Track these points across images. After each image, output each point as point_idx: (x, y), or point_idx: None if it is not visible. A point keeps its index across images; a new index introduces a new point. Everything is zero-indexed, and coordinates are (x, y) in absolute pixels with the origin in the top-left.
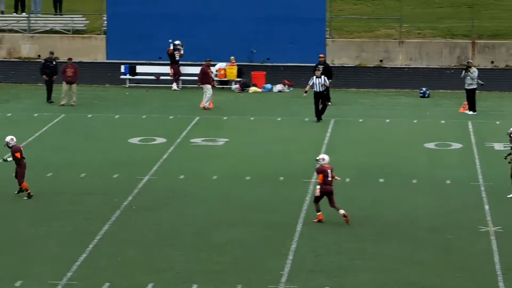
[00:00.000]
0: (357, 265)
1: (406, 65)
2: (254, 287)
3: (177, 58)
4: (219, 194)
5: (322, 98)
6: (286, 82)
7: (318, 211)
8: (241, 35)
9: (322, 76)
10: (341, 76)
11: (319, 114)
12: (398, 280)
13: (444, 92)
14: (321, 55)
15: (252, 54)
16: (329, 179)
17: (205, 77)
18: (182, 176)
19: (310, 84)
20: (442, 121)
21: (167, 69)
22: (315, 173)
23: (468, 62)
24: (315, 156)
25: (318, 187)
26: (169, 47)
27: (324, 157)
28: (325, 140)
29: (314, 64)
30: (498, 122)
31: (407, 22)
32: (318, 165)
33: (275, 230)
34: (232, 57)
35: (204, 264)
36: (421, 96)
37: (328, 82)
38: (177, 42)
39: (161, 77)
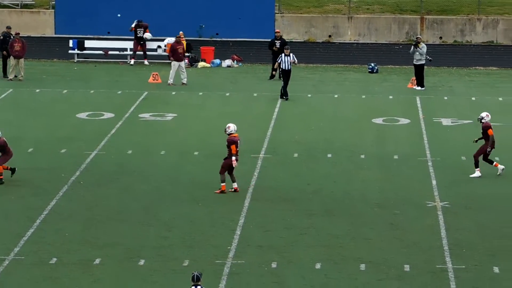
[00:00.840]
0: (305, 240)
1: (355, 40)
2: (202, 262)
3: (139, 35)
4: (167, 169)
5: (288, 76)
6: (235, 57)
7: (223, 181)
8: (190, 10)
9: (291, 54)
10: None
11: (285, 91)
12: (345, 255)
13: (392, 68)
14: (277, 30)
15: (201, 29)
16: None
17: (172, 53)
18: (130, 151)
19: (279, 61)
20: (390, 97)
21: (115, 44)
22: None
23: (417, 38)
24: (264, 132)
25: (234, 158)
26: (132, 24)
27: (230, 125)
28: (274, 115)
29: (269, 40)
30: (446, 98)
31: None
32: (227, 135)
33: (223, 206)
34: (180, 32)
35: (152, 240)
36: (369, 72)
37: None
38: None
39: (110, 52)
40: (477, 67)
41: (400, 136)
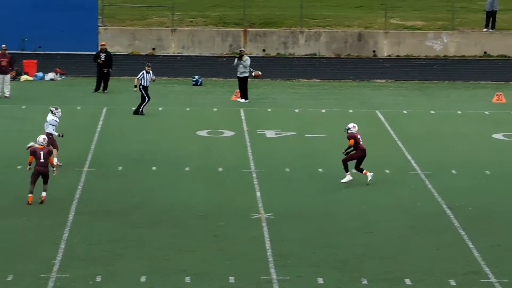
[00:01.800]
0: (130, 253)
1: (178, 53)
2: (26, 276)
3: None
4: None
5: (147, 92)
6: (58, 70)
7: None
8: (12, 23)
9: (151, 71)
10: (114, 64)
11: (140, 107)
12: (170, 267)
13: (216, 80)
14: (102, 43)
15: (24, 43)
16: (42, 160)
17: None
18: None
19: (139, 78)
20: (215, 109)
21: None
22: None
23: (240, 51)
24: (88, 144)
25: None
26: None
27: (39, 138)
28: (98, 128)
29: (94, 53)
30: (269, 110)
31: (179, 10)
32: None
33: (47, 219)
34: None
35: None
36: (193, 84)
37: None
38: None
39: None
40: (300, 79)
41: (224, 148)
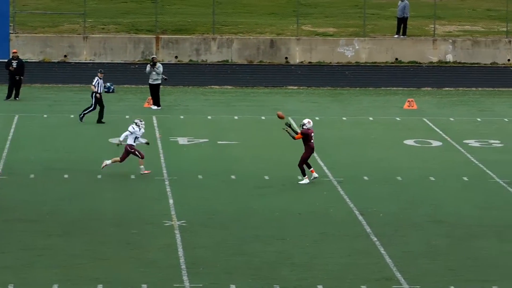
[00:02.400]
0: (42, 261)
1: (90, 60)
2: None
3: None
4: None
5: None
6: None
7: None
8: None
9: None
10: (26, 72)
11: (101, 115)
12: (83, 275)
13: (128, 87)
14: (14, 50)
15: None
16: None
17: None
18: None
19: (94, 84)
20: (127, 116)
21: None
22: None
23: (152, 58)
24: None
25: None
26: None
27: None
28: (9, 136)
29: (6, 60)
30: (182, 117)
31: (91, 17)
32: None
33: None
34: None
35: None
36: (106, 91)
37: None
38: None
39: None
40: (213, 86)
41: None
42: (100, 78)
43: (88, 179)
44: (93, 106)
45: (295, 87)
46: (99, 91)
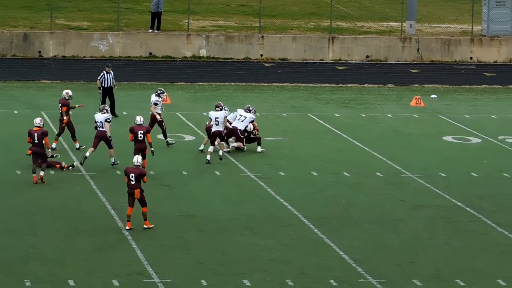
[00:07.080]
0: None
1: None
2: None
3: None
4: None
5: (111, 94)
6: None
7: None
8: None
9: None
10: None
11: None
12: None
13: None
14: None
15: None
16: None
17: None
18: None
19: (100, 79)
20: None
21: None
22: None
23: None
24: None
25: None
26: None
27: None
28: None
29: None
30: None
31: None
32: None
33: None
34: None
35: None
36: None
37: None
38: None
39: None
40: None
41: None
42: (108, 72)
43: None
44: (101, 101)
45: (49, 81)
46: (106, 86)
